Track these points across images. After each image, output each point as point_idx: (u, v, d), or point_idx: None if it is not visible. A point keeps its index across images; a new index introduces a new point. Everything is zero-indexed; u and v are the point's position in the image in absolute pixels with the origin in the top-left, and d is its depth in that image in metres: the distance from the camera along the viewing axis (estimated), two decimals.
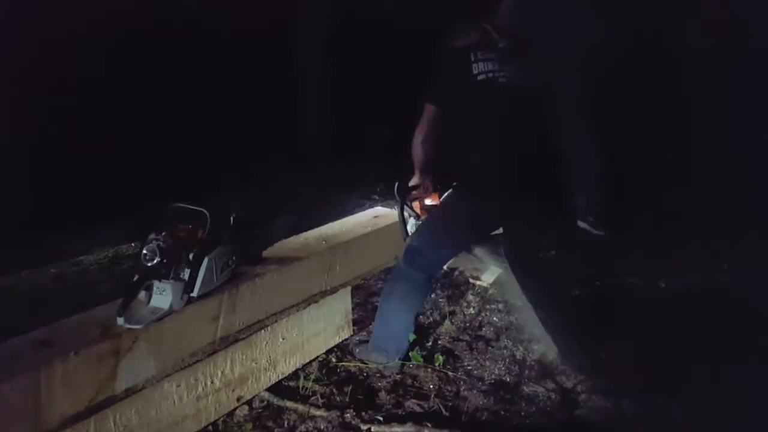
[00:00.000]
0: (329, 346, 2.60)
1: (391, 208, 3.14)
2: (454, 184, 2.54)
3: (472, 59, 2.35)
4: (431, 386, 2.36)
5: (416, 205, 2.67)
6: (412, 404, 2.22)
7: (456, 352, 2.62)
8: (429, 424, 2.07)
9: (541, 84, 2.42)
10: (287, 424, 2.11)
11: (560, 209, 2.43)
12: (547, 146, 2.46)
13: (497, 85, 2.33)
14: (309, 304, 2.44)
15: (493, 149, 2.38)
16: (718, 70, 4.83)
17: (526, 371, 2.47)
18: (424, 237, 2.45)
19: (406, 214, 2.67)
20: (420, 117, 2.42)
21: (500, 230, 2.57)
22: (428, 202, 2.63)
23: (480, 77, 2.33)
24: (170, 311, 1.87)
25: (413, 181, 2.57)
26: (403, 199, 2.63)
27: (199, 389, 1.99)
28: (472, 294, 3.16)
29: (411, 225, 2.69)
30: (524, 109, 2.36)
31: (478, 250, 3.38)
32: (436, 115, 2.39)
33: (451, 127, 2.40)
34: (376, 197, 4.82)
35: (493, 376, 2.45)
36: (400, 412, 2.18)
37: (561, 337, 2.49)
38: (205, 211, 1.99)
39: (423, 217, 2.65)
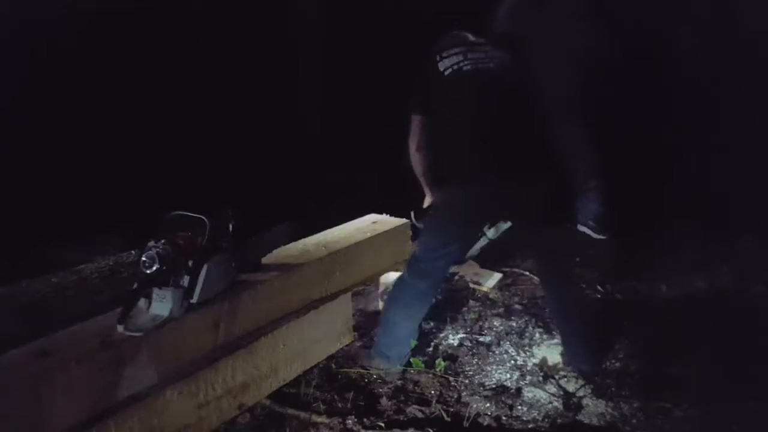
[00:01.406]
0: (330, 353, 2.59)
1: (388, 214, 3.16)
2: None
3: (438, 59, 2.42)
4: (433, 392, 2.35)
5: None
6: (413, 410, 2.21)
7: (457, 358, 2.61)
8: (431, 430, 2.06)
9: (517, 63, 2.46)
10: (289, 430, 2.10)
11: (553, 192, 2.43)
12: (531, 127, 2.47)
13: (462, 74, 2.38)
14: (309, 311, 2.43)
15: (467, 135, 2.40)
16: (716, 71, 4.83)
17: (528, 376, 2.46)
18: (423, 242, 2.46)
19: None
20: (409, 129, 2.47)
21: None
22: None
23: (447, 72, 2.39)
24: (170, 318, 1.87)
25: (426, 202, 2.59)
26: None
27: (201, 397, 1.98)
28: (473, 299, 3.16)
29: None
30: (495, 91, 2.40)
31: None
32: (422, 122, 2.45)
33: (437, 128, 2.45)
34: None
35: (494, 381, 2.44)
36: (401, 418, 2.18)
37: (568, 339, 2.49)
38: (204, 218, 1.99)
39: None
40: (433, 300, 3.05)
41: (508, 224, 2.57)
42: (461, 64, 2.39)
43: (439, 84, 2.41)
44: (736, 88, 4.60)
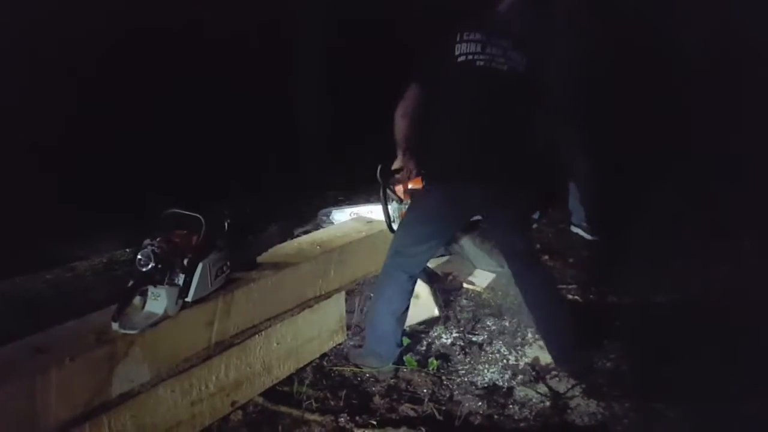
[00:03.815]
0: (323, 351, 2.60)
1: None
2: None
3: (457, 39, 2.35)
4: (425, 390, 2.36)
5: (399, 189, 2.63)
6: (406, 408, 2.23)
7: (450, 357, 2.63)
8: (423, 429, 2.08)
9: (528, 71, 2.39)
10: (281, 428, 2.11)
11: (536, 197, 2.42)
12: (528, 133, 2.46)
13: (474, 68, 2.33)
14: (303, 309, 2.45)
15: (457, 132, 2.38)
16: (713, 71, 4.86)
17: (519, 375, 2.48)
18: (401, 235, 2.46)
19: (389, 200, 2.64)
20: (403, 95, 2.41)
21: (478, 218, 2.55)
22: (411, 186, 2.59)
23: (460, 59, 2.33)
24: (165, 316, 1.88)
25: (396, 165, 2.53)
26: (386, 182, 2.58)
27: (194, 394, 1.99)
28: (466, 299, 3.17)
29: (393, 209, 2.66)
30: (500, 94, 2.35)
31: (472, 251, 3.38)
32: (418, 93, 2.39)
33: (431, 109, 2.40)
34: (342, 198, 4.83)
35: (486, 381, 2.46)
36: (394, 416, 2.19)
37: (556, 340, 2.50)
38: (199, 216, 2.00)
39: (405, 201, 2.63)
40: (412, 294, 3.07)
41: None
42: (476, 57, 2.32)
43: (449, 66, 2.35)
44: (735, 88, 4.62)
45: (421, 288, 2.87)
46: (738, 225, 3.93)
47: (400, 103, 2.40)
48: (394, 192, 2.64)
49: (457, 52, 2.34)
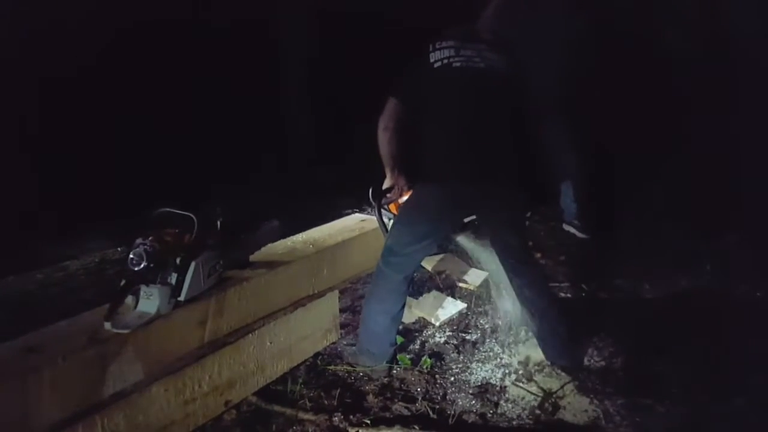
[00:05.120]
0: (317, 350, 2.60)
1: (366, 213, 3.15)
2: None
3: (430, 49, 2.40)
4: (419, 389, 2.37)
5: (393, 207, 2.66)
6: (399, 407, 2.23)
7: (443, 355, 2.63)
8: (416, 427, 2.08)
9: (509, 67, 2.43)
10: (275, 427, 2.11)
11: (529, 196, 2.44)
12: (515, 130, 2.46)
13: (452, 70, 2.36)
14: (296, 308, 2.45)
15: (446, 132, 2.40)
16: (698, 70, 4.87)
17: (512, 373, 2.49)
18: (394, 235, 2.46)
19: (385, 218, 2.67)
20: (383, 109, 2.42)
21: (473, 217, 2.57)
22: (404, 200, 2.61)
23: (436, 64, 2.37)
24: (157, 316, 1.88)
25: (386, 184, 2.55)
26: (379, 203, 2.61)
27: (187, 394, 1.99)
28: (459, 297, 3.18)
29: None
30: (481, 91, 2.38)
31: (468, 245, 3.39)
32: (397, 106, 2.40)
33: (415, 120, 2.42)
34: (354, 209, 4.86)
35: (479, 379, 2.46)
36: (387, 415, 2.19)
37: (548, 338, 2.51)
38: (192, 215, 2.00)
39: None
40: (417, 296, 3.08)
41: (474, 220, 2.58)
42: (451, 60, 2.36)
43: (426, 75, 2.39)
44: (727, 87, 4.64)
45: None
46: (727, 222, 3.95)
47: (381, 118, 2.42)
48: (389, 210, 2.66)
49: (431, 60, 2.38)
